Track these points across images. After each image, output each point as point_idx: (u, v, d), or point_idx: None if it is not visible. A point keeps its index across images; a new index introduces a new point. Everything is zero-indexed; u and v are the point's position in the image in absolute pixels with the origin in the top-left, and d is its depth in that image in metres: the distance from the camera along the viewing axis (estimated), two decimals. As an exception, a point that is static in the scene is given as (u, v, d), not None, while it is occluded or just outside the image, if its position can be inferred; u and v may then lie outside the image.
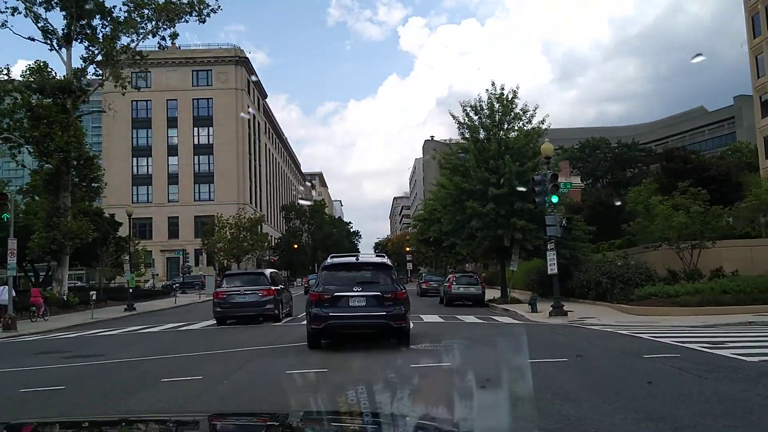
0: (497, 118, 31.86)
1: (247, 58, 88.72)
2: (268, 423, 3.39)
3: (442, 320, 22.04)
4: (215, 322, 22.51)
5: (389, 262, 14.74)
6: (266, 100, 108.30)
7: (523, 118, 31.65)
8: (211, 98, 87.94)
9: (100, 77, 42.64)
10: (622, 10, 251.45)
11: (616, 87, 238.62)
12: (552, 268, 22.78)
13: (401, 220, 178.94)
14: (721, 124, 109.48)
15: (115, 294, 46.21)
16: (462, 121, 32.38)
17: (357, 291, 13.20)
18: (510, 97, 31.86)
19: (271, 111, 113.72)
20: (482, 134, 32.33)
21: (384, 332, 13.57)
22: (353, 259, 14.78)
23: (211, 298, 25.68)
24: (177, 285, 69.63)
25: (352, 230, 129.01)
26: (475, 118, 32.44)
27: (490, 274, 46.75)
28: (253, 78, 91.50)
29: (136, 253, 55.18)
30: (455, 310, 27.84)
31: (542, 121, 31.43)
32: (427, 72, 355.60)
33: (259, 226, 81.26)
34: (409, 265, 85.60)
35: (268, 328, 20.79)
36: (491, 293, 33.93)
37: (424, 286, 43.60)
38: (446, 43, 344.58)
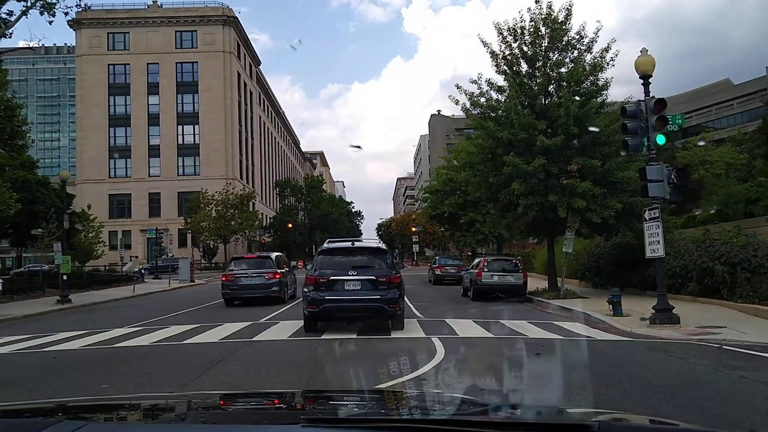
0: (544, 46, 23.51)
1: (237, 17, 79.83)
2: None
3: (489, 333, 13.89)
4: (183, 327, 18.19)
5: (384, 247, 14.84)
6: (260, 67, 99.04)
7: (579, 46, 23.28)
8: (197, 62, 79.70)
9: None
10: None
11: (621, 69, 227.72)
12: (655, 249, 14.48)
13: (405, 201, 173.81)
14: (751, 96, 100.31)
15: (72, 280, 36.82)
16: (497, 50, 23.84)
17: (352, 275, 13.46)
18: (561, 17, 23.28)
19: (266, 80, 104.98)
20: (524, 67, 23.98)
21: (378, 315, 13.72)
22: (349, 243, 15.13)
23: (186, 284, 27.71)
24: (145, 270, 61.30)
25: (353, 210, 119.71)
26: (515, 45, 23.90)
27: (523, 256, 37.81)
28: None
29: (90, 230, 46.40)
30: (492, 309, 19.83)
31: (606, 49, 22.81)
32: (431, 54, 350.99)
33: (250, 204, 72.61)
34: (415, 247, 77.09)
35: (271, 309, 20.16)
36: (532, 283, 25.93)
37: (438, 271, 35.18)
38: (450, 25, 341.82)
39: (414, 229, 76.24)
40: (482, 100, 24.16)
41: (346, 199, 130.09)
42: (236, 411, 2.92)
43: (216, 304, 23.68)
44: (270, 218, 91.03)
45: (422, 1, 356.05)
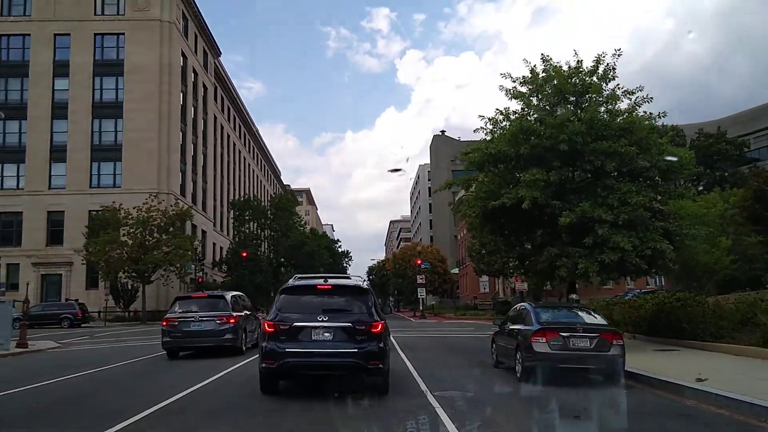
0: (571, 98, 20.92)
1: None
2: None
3: None
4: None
5: (365, 286, 12.68)
6: (219, 58, 78.87)
7: (624, 99, 20.75)
8: (123, 33, 63.77)
9: None
10: (619, 45, 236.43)
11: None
12: None
13: (399, 245, 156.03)
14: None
15: None
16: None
17: (322, 321, 11.49)
18: (603, 70, 20.90)
19: (228, 76, 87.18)
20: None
21: (355, 373, 11.91)
22: (320, 281, 12.56)
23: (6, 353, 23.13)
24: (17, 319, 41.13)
25: (339, 249, 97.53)
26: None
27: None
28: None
29: None
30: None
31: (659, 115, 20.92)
32: (424, 104, 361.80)
33: (186, 225, 50.62)
34: (421, 292, 55.02)
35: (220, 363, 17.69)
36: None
37: (547, 344, 13.35)
38: (443, 76, 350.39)
39: (420, 263, 53.90)
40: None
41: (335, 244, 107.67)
42: None
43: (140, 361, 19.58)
44: (226, 250, 68.50)
45: (416, 53, 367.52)
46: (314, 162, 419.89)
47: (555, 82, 21.09)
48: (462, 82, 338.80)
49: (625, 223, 18.57)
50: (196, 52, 72.51)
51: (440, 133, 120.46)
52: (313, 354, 11.41)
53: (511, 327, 15.43)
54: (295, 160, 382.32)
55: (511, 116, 21.35)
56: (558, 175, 19.52)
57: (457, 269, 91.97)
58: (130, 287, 53.90)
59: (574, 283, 21.16)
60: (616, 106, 20.65)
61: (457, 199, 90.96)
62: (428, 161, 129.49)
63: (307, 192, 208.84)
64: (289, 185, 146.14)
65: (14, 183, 60.32)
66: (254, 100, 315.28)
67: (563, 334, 13.23)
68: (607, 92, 21.00)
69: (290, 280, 13.06)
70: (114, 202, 52.53)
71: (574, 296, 20.22)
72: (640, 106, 20.36)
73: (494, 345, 16.96)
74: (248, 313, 22.86)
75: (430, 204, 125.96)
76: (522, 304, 17.08)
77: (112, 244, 49.10)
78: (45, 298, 57.36)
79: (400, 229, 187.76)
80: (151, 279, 52.16)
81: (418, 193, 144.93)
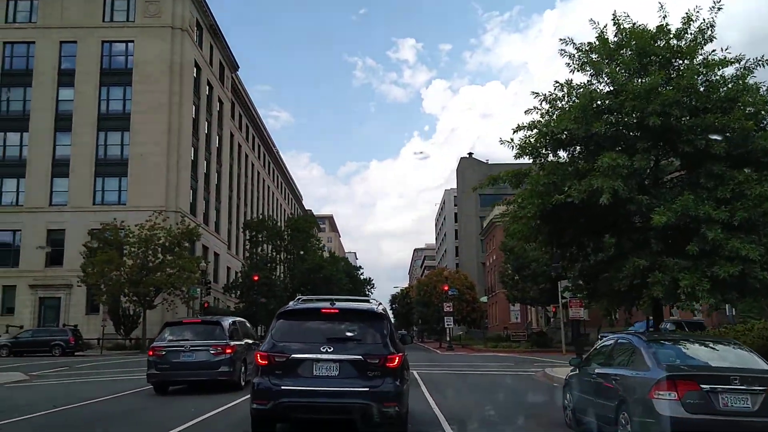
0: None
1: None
2: None
3: None
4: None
5: (381, 310, 10.63)
6: (237, 72, 74.98)
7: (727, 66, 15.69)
8: (132, 41, 59.53)
9: None
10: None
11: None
12: None
13: (423, 273, 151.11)
14: None
15: None
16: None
17: (326, 352, 9.59)
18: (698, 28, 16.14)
19: (246, 92, 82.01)
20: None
21: (365, 418, 9.52)
22: (326, 304, 10.56)
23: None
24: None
25: (360, 276, 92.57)
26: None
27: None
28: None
29: None
30: None
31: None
32: (448, 134, 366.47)
33: (193, 244, 46.71)
34: (448, 321, 50.09)
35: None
36: None
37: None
38: (469, 105, 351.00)
39: (447, 289, 48.90)
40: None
41: (355, 266, 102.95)
42: None
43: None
44: (238, 273, 64.05)
45: (442, 82, 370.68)
46: (339, 191, 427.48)
47: (634, 44, 16.01)
48: (487, 112, 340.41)
49: (743, 223, 13.68)
50: (211, 63, 68.56)
51: (467, 156, 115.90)
52: (314, 393, 9.57)
53: (602, 371, 10.25)
54: (319, 189, 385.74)
55: (576, 91, 16.18)
56: (645, 160, 14.58)
57: (485, 297, 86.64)
58: (131, 312, 49.13)
59: (660, 308, 16.04)
60: (719, 72, 15.56)
61: (488, 219, 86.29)
62: (454, 186, 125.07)
63: (330, 218, 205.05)
64: (310, 210, 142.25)
65: (12, 199, 56.21)
66: (281, 129, 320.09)
67: (705, 386, 8.06)
68: (702, 57, 15.85)
69: (291, 303, 11.16)
70: (115, 219, 48.26)
71: (669, 325, 15.18)
72: (751, 73, 15.24)
73: (569, 395, 11.65)
74: (250, 342, 20.41)
75: (456, 230, 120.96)
76: (618, 335, 11.51)
77: (110, 264, 44.88)
78: (43, 323, 52.81)
79: (424, 257, 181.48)
80: (153, 303, 47.47)
81: (443, 219, 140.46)
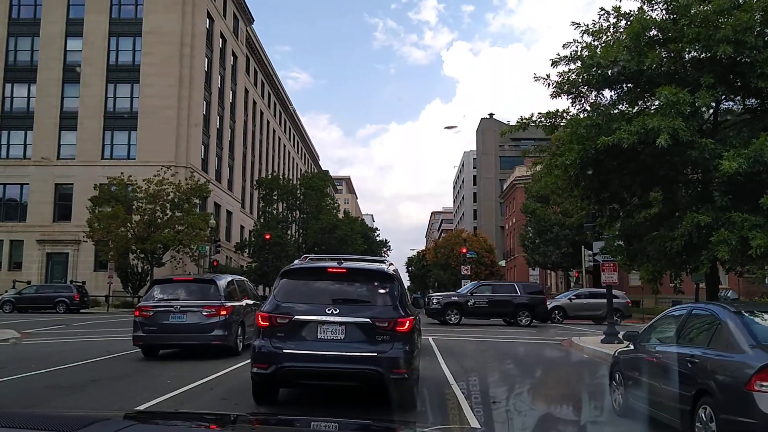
0: None
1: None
2: None
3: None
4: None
5: (392, 271, 10.03)
6: (252, 26, 72.04)
7: None
8: None
9: None
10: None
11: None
12: None
13: (440, 236, 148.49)
14: None
15: None
16: None
17: (332, 314, 9.08)
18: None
19: (262, 48, 79.28)
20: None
21: (372, 384, 9.20)
22: (333, 263, 10.11)
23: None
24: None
25: (377, 238, 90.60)
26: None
27: None
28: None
29: None
30: None
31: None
32: (469, 97, 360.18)
33: (204, 200, 45.08)
34: (465, 282, 48.02)
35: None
36: None
37: None
38: (490, 68, 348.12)
39: (465, 252, 47.02)
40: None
41: (372, 228, 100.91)
42: None
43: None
44: (251, 231, 62.59)
45: (463, 44, 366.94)
46: (357, 153, 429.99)
47: None
48: (510, 74, 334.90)
49: None
50: (225, 15, 65.57)
51: (488, 116, 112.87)
52: (318, 357, 9.06)
53: (671, 349, 7.98)
54: (338, 151, 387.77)
55: (626, 19, 14.06)
56: (709, 97, 12.24)
57: (503, 261, 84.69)
58: (139, 270, 47.84)
59: (716, 275, 13.86)
60: None
61: (509, 181, 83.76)
62: (473, 148, 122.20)
63: (347, 180, 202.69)
64: (328, 171, 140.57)
65: (20, 152, 54.46)
66: (300, 90, 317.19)
67: None
68: None
69: (296, 261, 10.76)
70: (122, 173, 46.38)
71: (729, 293, 13.06)
72: None
73: (619, 376, 9.52)
74: (250, 302, 18.81)
75: (474, 193, 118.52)
76: (693, 305, 9.25)
77: (116, 219, 43.50)
78: (50, 278, 51.64)
79: (442, 220, 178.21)
80: (162, 261, 46.11)
81: (462, 181, 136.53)
